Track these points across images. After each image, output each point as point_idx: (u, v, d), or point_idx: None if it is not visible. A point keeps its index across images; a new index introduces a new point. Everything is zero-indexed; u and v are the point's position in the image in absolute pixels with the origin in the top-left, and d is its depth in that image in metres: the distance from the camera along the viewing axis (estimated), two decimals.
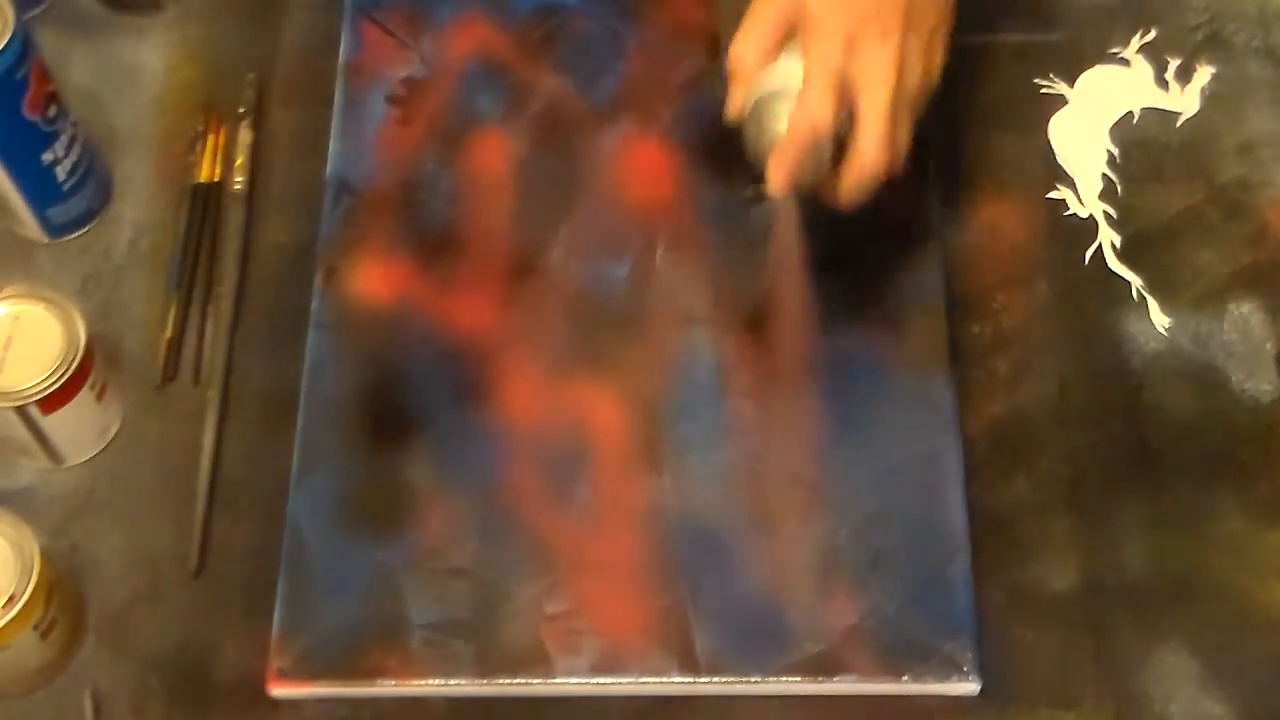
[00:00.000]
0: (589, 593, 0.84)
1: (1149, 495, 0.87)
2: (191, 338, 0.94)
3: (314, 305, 0.92)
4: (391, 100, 0.98)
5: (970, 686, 0.83)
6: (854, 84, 0.82)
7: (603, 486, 0.87)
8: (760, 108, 0.84)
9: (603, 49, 0.99)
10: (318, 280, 0.93)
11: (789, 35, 0.84)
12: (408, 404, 0.89)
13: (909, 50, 0.83)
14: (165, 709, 0.84)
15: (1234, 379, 0.90)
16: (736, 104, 0.85)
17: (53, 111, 0.91)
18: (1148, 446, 0.88)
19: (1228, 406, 0.89)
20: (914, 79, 0.83)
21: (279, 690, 0.84)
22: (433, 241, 0.94)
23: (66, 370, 0.85)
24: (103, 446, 0.90)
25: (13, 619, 0.80)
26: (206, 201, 0.97)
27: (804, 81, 0.82)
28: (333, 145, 0.97)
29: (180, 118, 1.00)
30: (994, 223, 0.94)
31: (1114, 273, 0.93)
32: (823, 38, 0.82)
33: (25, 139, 0.91)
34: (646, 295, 0.92)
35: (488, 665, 0.83)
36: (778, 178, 0.83)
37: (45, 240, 0.96)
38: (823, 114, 0.81)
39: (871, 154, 0.82)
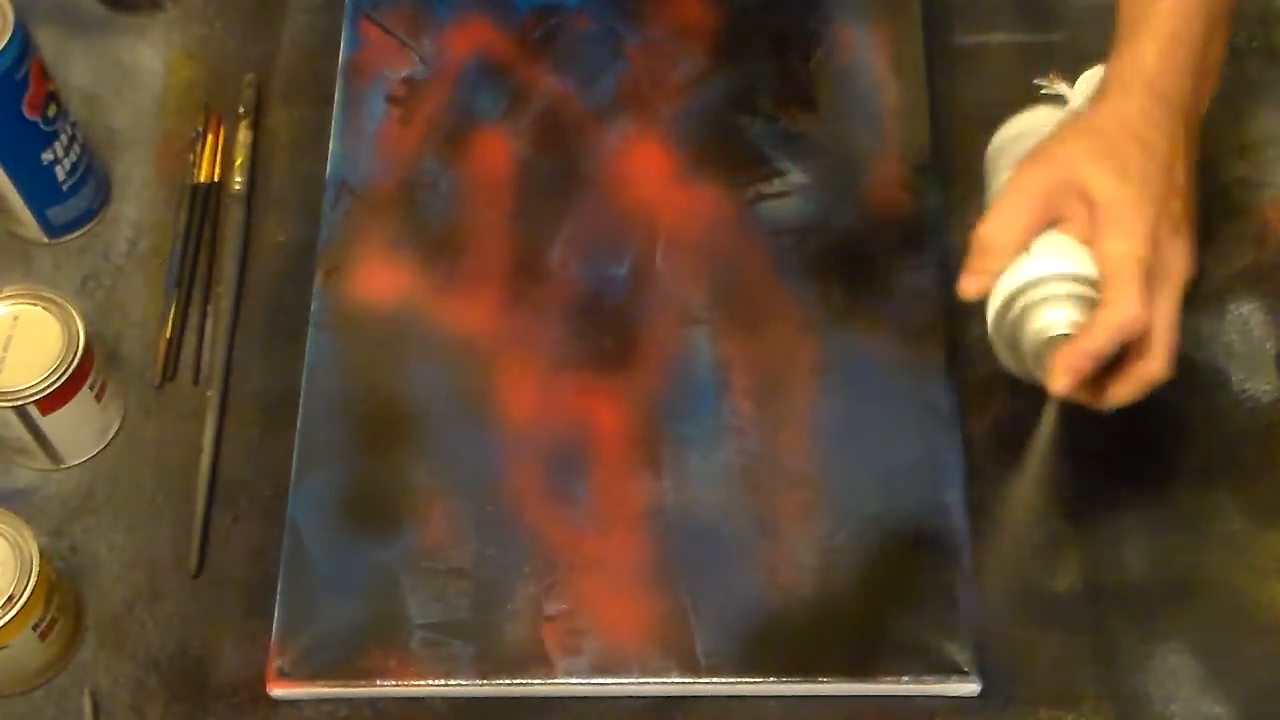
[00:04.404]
0: (589, 593, 0.84)
1: (1149, 495, 0.87)
2: (191, 338, 0.94)
3: (314, 305, 0.92)
4: (391, 100, 0.98)
5: (970, 686, 0.83)
6: (1152, 280, 0.75)
7: (603, 486, 0.87)
8: (1019, 302, 0.78)
9: (602, 49, 0.99)
10: (318, 280, 0.93)
11: (1052, 219, 0.78)
12: (408, 404, 0.89)
13: (1191, 244, 0.77)
14: (165, 709, 0.84)
15: (1234, 379, 0.90)
16: (978, 286, 0.79)
17: (52, 111, 0.91)
18: (1148, 446, 0.88)
19: (1228, 406, 0.89)
20: (1194, 276, 0.78)
21: (279, 690, 0.84)
22: (433, 241, 0.94)
23: (66, 370, 0.85)
24: (102, 446, 0.90)
25: (12, 619, 0.80)
26: (206, 201, 0.97)
27: (1110, 274, 0.75)
28: (333, 145, 0.97)
29: (180, 118, 1.00)
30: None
31: None
32: (1127, 228, 0.75)
33: (25, 139, 0.91)
34: (646, 295, 0.92)
35: (488, 665, 0.83)
36: (1066, 379, 0.76)
37: (45, 240, 0.96)
38: (1138, 315, 0.74)
39: (1164, 361, 0.77)
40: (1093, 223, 0.76)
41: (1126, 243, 0.75)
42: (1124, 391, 0.78)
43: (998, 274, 0.79)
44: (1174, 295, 0.76)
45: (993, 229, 0.78)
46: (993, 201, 0.80)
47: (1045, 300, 0.78)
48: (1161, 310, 0.76)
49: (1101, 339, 0.75)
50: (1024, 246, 0.78)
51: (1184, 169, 0.78)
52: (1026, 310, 0.78)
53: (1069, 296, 0.77)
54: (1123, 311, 0.75)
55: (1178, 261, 0.77)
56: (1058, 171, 0.78)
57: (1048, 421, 0.80)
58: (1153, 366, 0.77)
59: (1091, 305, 0.77)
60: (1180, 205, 0.77)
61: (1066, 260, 0.77)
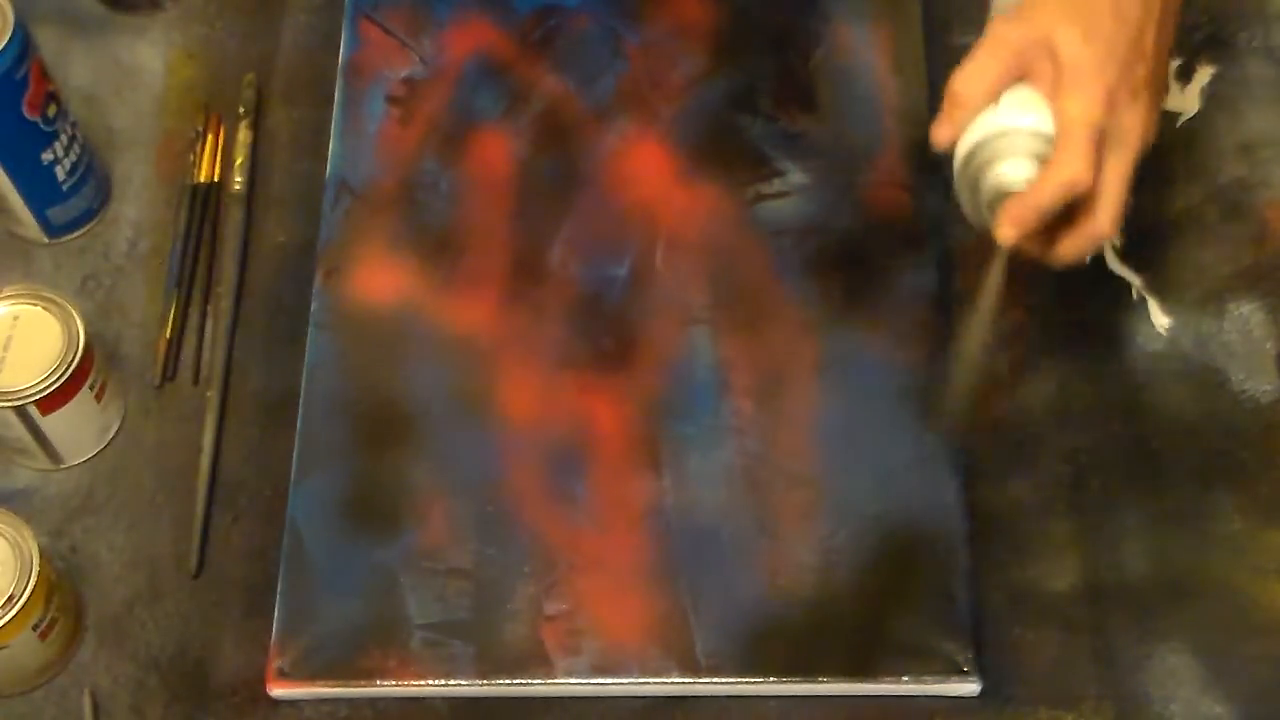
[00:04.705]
0: (589, 593, 0.84)
1: (1149, 495, 0.87)
2: (191, 338, 0.94)
3: (314, 305, 0.92)
4: (391, 100, 0.98)
5: (970, 686, 0.83)
6: (1104, 143, 0.78)
7: (603, 486, 0.87)
8: (981, 152, 0.80)
9: (603, 49, 0.99)
10: (318, 280, 0.93)
11: (1022, 74, 0.79)
12: (408, 404, 0.89)
13: (1150, 110, 0.79)
14: (165, 709, 0.84)
15: (1234, 379, 0.90)
16: (947, 134, 0.81)
17: (52, 111, 0.91)
18: (1148, 446, 0.88)
19: (1228, 406, 0.89)
20: (1150, 142, 0.79)
21: (279, 690, 0.84)
22: (433, 241, 0.94)
23: (65, 370, 0.85)
24: (102, 447, 0.90)
25: (12, 619, 0.80)
26: (206, 201, 0.97)
27: (1061, 133, 0.77)
28: (333, 145, 0.97)
29: (180, 118, 1.00)
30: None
31: (1114, 273, 0.93)
32: (1084, 90, 0.77)
33: (25, 139, 0.91)
34: (646, 295, 0.92)
35: (488, 665, 0.83)
36: (1011, 230, 0.78)
37: (45, 240, 0.96)
38: (1083, 176, 0.77)
39: (1109, 221, 0.79)
40: (1055, 81, 0.78)
41: (1082, 103, 0.77)
42: (1070, 246, 0.80)
43: (966, 123, 0.81)
44: (1126, 158, 0.78)
45: (964, 81, 0.80)
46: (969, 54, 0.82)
47: (1004, 153, 0.80)
48: (1111, 171, 0.78)
49: (1046, 196, 0.78)
50: (992, 98, 0.80)
51: (1155, 37, 0.79)
52: (987, 161, 0.80)
53: (1027, 152, 0.79)
54: (1068, 171, 0.77)
55: (1135, 126, 0.78)
56: (1031, 30, 0.80)
57: (995, 272, 0.82)
58: (1097, 224, 0.79)
59: (1046, 162, 0.79)
60: (1145, 71, 0.79)
61: (1030, 116, 0.79)
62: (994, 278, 0.82)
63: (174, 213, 0.97)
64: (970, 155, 0.81)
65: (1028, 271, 0.82)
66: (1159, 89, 0.81)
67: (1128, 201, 0.79)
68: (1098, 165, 0.78)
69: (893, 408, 0.88)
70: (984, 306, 0.83)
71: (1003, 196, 0.80)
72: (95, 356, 0.87)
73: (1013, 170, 0.80)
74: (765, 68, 0.98)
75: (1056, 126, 0.78)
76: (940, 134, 0.81)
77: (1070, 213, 0.79)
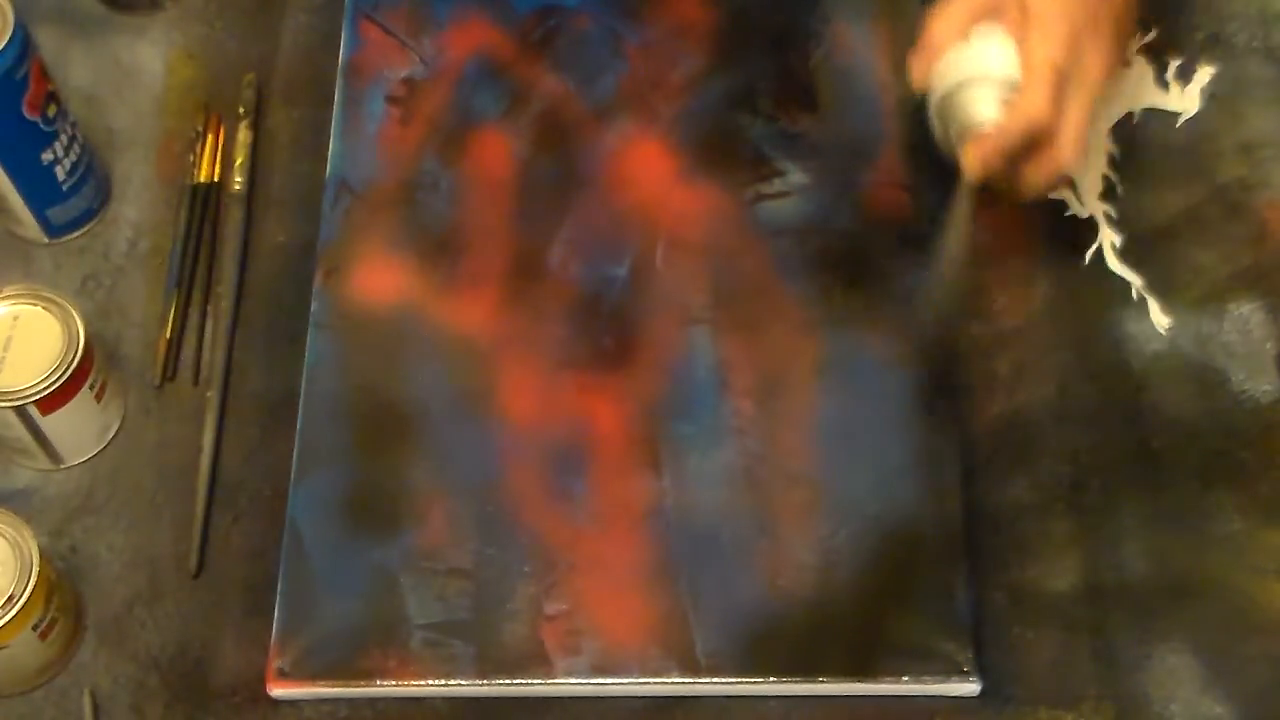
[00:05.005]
0: (589, 593, 0.84)
1: (1149, 495, 0.87)
2: (191, 338, 0.94)
3: (314, 305, 0.92)
4: (391, 100, 0.98)
5: (970, 686, 0.83)
6: (1066, 83, 0.83)
7: (602, 486, 0.87)
8: (954, 92, 0.85)
9: (603, 49, 0.99)
10: (318, 280, 0.93)
11: (988, 17, 0.85)
12: (408, 404, 0.89)
13: (1112, 51, 0.84)
14: (165, 709, 0.84)
15: (1234, 379, 0.90)
16: (921, 72, 0.86)
17: (52, 111, 0.91)
18: (1148, 446, 0.88)
19: (1228, 406, 0.89)
20: (1109, 84, 0.84)
21: (279, 690, 0.84)
22: (433, 241, 0.94)
23: (65, 370, 0.85)
24: (102, 447, 0.90)
25: (12, 619, 0.80)
26: (206, 201, 0.97)
27: (1026, 74, 0.83)
28: (333, 145, 0.97)
29: (180, 118, 1.00)
30: (994, 223, 0.94)
31: (1114, 273, 0.93)
32: (1049, 33, 0.83)
33: (25, 139, 0.91)
34: (646, 295, 0.92)
35: (488, 665, 0.83)
36: (977, 164, 0.84)
37: (45, 240, 0.96)
38: (1044, 115, 0.82)
39: (1069, 154, 0.84)
40: (1022, 24, 0.84)
41: (1046, 46, 0.83)
42: (1034, 178, 0.86)
43: (937, 61, 0.86)
44: (1088, 95, 0.84)
45: (938, 24, 0.86)
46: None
47: (974, 95, 0.85)
48: (1073, 108, 0.83)
49: (1009, 133, 0.83)
50: (963, 38, 0.85)
51: None
52: (958, 99, 0.85)
53: (994, 96, 0.84)
54: (1031, 110, 0.83)
55: (1096, 66, 0.84)
56: None
57: (963, 202, 0.86)
58: (1059, 157, 0.84)
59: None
60: (1109, 13, 0.84)
61: (998, 58, 0.84)
62: (962, 208, 0.86)
63: (174, 213, 0.97)
64: (944, 94, 0.86)
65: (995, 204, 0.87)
66: (1124, 31, 0.86)
67: (1089, 140, 0.84)
68: (1060, 104, 0.82)
69: (893, 408, 0.88)
70: (953, 236, 0.87)
71: (971, 133, 0.85)
72: (95, 356, 0.87)
73: (980, 110, 0.84)
74: (765, 68, 0.98)
75: (1021, 67, 0.83)
76: (916, 72, 0.87)
77: (1034, 148, 0.84)
